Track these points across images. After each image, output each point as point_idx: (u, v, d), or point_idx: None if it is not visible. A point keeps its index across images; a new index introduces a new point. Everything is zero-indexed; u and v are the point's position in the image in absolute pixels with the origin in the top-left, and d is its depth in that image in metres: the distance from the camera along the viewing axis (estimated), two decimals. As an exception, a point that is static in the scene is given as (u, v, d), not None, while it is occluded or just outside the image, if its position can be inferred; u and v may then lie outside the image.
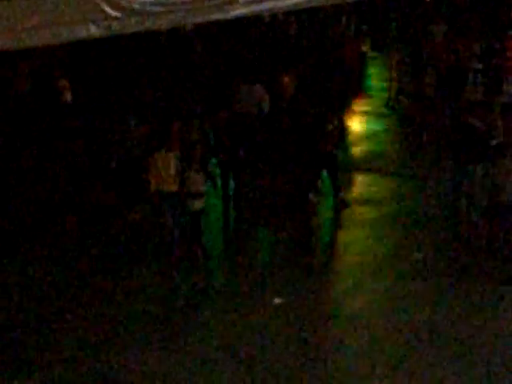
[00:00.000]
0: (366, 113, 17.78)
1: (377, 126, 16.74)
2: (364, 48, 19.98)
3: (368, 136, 16.12)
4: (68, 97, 12.74)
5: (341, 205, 11.67)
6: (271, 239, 11.29)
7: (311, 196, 11.65)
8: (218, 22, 11.65)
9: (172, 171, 9.11)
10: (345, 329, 8.55)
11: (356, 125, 16.54)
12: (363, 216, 11.76)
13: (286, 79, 14.36)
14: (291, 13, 17.35)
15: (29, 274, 9.58)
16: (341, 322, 8.81)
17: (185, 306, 8.97)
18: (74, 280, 9.44)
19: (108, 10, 8.28)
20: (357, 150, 15.13)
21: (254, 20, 15.41)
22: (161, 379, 7.35)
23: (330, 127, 11.27)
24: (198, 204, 9.41)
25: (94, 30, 8.17)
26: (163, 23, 9.18)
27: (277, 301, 8.72)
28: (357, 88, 19.05)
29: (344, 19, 21.45)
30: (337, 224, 11.91)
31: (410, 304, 8.85)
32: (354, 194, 12.76)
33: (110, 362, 7.64)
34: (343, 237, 11.60)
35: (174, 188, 9.12)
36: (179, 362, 7.64)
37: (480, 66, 17.03)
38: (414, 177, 13.30)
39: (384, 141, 15.87)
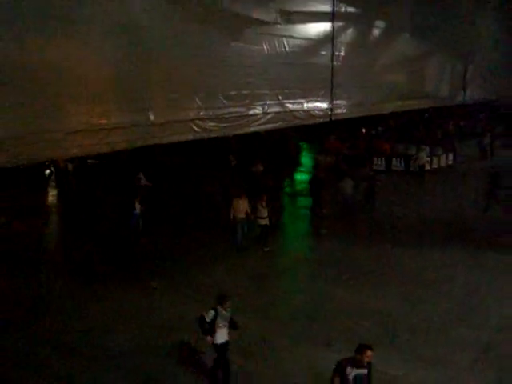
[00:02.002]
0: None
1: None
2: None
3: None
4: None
5: None
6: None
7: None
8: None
9: (242, 207, 15.97)
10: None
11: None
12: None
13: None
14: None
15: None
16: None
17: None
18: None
19: (196, 128, 13.89)
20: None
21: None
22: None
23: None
24: (263, 221, 16.49)
25: (191, 137, 13.73)
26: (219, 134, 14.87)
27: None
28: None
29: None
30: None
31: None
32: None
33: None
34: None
35: (242, 215, 16.10)
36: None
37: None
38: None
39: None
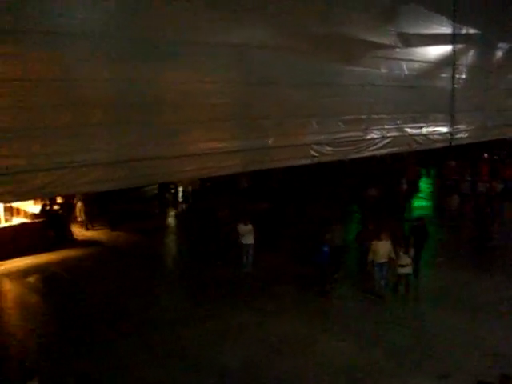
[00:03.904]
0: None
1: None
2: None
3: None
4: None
5: None
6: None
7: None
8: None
9: (382, 251, 14.51)
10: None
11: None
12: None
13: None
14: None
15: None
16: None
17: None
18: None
19: (313, 152, 13.94)
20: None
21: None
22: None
23: None
24: (405, 270, 14.81)
25: (308, 161, 13.81)
26: (335, 158, 14.85)
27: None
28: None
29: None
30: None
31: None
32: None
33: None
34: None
35: (383, 260, 14.54)
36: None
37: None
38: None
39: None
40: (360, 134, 14.71)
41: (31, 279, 16.42)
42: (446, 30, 17.16)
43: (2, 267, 17.21)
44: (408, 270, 14.84)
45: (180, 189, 27.79)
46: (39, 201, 20.00)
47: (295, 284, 15.61)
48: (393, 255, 14.66)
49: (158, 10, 9.74)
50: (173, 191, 27.84)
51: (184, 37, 10.23)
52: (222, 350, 11.76)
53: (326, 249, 14.91)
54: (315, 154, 13.87)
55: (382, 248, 14.53)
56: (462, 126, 18.54)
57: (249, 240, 16.37)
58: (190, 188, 27.35)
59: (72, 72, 8.51)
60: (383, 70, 15.22)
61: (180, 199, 27.63)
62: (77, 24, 8.46)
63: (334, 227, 16.01)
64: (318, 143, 13.52)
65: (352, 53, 14.28)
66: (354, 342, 12.15)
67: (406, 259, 14.74)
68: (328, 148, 14.18)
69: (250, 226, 16.42)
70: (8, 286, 15.91)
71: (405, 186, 25.67)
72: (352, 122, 14.41)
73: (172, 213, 25.70)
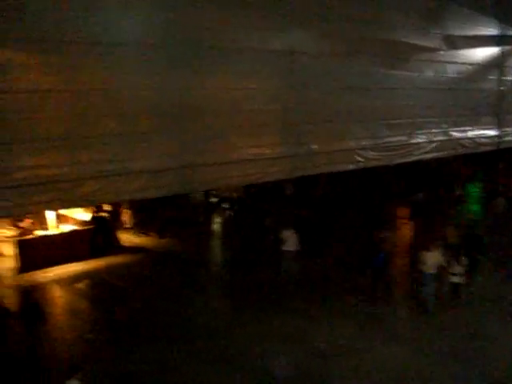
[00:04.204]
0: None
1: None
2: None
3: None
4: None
5: None
6: None
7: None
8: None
9: (430, 262, 14.12)
10: None
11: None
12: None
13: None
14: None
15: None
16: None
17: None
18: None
19: (358, 157, 13.88)
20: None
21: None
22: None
23: None
24: (456, 279, 14.38)
25: (353, 167, 13.76)
26: (381, 164, 14.76)
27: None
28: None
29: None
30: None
31: None
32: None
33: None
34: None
35: (432, 271, 14.14)
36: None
37: None
38: None
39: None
40: (405, 138, 14.61)
41: (80, 285, 16.71)
42: (493, 31, 16.91)
43: (52, 273, 17.56)
44: (459, 278, 14.49)
45: (225, 195, 27.91)
46: (88, 208, 20.34)
47: (342, 290, 15.56)
48: (443, 264, 14.38)
49: (203, 20, 9.87)
50: (218, 198, 27.99)
51: (229, 45, 10.35)
52: (269, 355, 11.75)
53: (381, 255, 14.78)
54: (360, 159, 13.83)
55: (431, 259, 14.22)
56: (510, 129, 18.22)
57: (292, 246, 16.30)
58: (234, 194, 27.46)
59: (118, 82, 8.69)
60: (428, 74, 15.09)
61: (225, 206, 27.75)
62: (123, 34, 8.63)
63: (384, 233, 15.81)
64: (363, 148, 13.49)
65: (396, 56, 14.20)
66: (404, 349, 12.07)
67: (457, 268, 14.42)
68: (373, 153, 14.12)
69: (293, 233, 16.34)
70: (58, 292, 16.22)
71: (454, 191, 25.24)
72: (397, 126, 14.33)
73: (218, 219, 25.81)
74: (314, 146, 12.30)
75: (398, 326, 13.30)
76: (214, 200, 27.84)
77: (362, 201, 24.57)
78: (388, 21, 13.73)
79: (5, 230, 18.89)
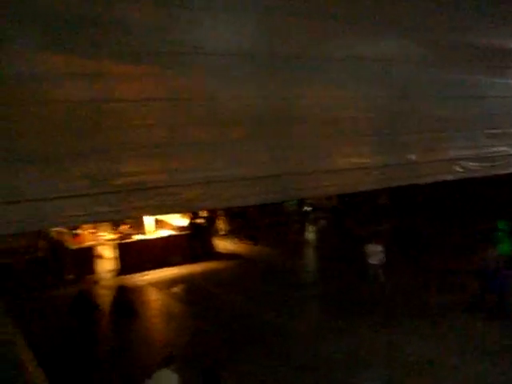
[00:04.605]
0: None
1: None
2: None
3: None
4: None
5: None
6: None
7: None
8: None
9: None
10: None
11: None
12: None
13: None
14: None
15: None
16: None
17: None
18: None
19: (457, 168, 13.46)
20: None
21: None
22: None
23: None
24: None
25: (451, 177, 13.38)
26: (481, 174, 14.25)
27: None
28: None
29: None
30: None
31: None
32: None
33: None
34: None
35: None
36: None
37: None
38: None
39: None
40: (506, 148, 14.03)
41: (176, 289, 17.11)
42: None
43: (150, 277, 18.08)
44: None
45: (319, 204, 27.86)
46: (186, 214, 20.80)
47: (437, 306, 15.02)
48: None
49: (298, 26, 9.89)
50: (312, 207, 27.99)
51: (325, 52, 10.30)
52: (357, 367, 11.59)
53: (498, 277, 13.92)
54: (459, 169, 13.40)
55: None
56: None
57: (376, 260, 16.01)
58: (328, 203, 27.37)
59: (214, 90, 8.84)
60: (532, 82, 14.49)
61: (319, 215, 27.70)
62: (223, 45, 8.77)
63: (489, 250, 15.19)
64: (463, 158, 13.06)
65: (497, 64, 13.72)
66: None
67: None
68: (472, 163, 13.65)
69: (378, 246, 16.06)
70: (155, 295, 16.67)
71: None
72: (498, 136, 13.79)
73: (311, 228, 25.80)
74: (411, 156, 12.00)
75: (499, 343, 12.70)
76: (307, 208, 27.85)
77: (459, 212, 23.88)
78: (486, 28, 13.30)
79: (105, 234, 19.63)
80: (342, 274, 17.75)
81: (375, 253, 16.04)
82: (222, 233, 23.34)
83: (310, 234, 25.19)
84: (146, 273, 18.24)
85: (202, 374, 9.28)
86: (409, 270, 17.65)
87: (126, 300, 12.85)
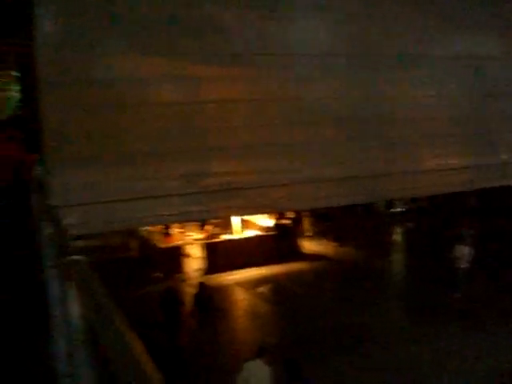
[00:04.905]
0: None
1: None
2: None
3: None
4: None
5: None
6: None
7: None
8: None
9: None
10: None
11: None
12: None
13: None
14: None
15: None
16: None
17: None
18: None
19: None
20: None
21: None
22: None
23: None
24: None
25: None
26: None
27: None
28: None
29: None
30: None
31: None
32: None
33: None
34: None
35: None
36: None
37: None
38: None
39: None
40: None
41: (262, 289, 17.26)
42: None
43: (237, 276, 18.32)
44: None
45: (407, 205, 27.41)
46: (272, 215, 20.94)
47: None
48: None
49: (386, 24, 9.79)
50: (400, 208, 27.56)
51: (415, 50, 10.17)
52: (444, 372, 11.36)
53: None
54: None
55: None
56: None
57: (463, 263, 15.59)
58: (416, 205, 26.88)
59: (303, 91, 8.89)
60: None
61: (406, 216, 27.24)
62: (309, 46, 8.83)
63: None
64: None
65: None
66: None
67: None
68: None
69: (467, 248, 15.63)
70: (241, 294, 16.89)
71: None
72: None
73: (398, 230, 25.41)
74: (504, 156, 11.68)
75: None
76: (395, 210, 27.45)
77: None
78: None
79: (192, 233, 20.05)
80: (428, 276, 17.36)
81: (463, 255, 15.62)
82: (308, 234, 23.33)
83: (397, 236, 24.80)
84: (233, 272, 18.48)
85: (284, 364, 9.33)
86: (498, 274, 17.08)
87: (206, 296, 13.16)
